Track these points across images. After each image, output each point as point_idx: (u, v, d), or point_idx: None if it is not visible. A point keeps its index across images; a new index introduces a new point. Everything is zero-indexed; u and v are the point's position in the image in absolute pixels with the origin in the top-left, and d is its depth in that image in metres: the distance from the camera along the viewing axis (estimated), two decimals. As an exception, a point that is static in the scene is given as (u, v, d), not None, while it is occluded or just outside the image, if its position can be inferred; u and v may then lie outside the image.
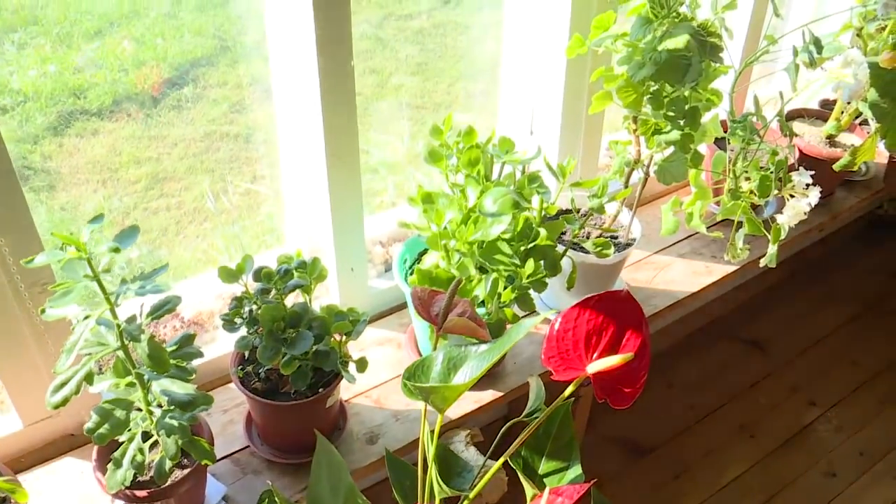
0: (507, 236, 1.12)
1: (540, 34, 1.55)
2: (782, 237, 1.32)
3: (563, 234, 1.40)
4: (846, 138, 1.85)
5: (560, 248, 1.19)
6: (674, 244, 1.74)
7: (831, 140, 1.85)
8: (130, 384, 0.95)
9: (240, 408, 1.28)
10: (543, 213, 1.12)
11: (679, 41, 1.14)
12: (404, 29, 2.02)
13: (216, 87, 1.35)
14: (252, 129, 1.41)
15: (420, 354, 1.39)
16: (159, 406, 0.97)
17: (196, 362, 1.02)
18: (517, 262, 1.09)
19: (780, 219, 1.30)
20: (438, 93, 2.06)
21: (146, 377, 0.93)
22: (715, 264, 1.69)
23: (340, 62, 1.18)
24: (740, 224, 1.38)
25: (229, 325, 1.10)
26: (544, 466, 0.93)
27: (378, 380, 1.37)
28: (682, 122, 1.30)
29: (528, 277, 1.08)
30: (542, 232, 1.09)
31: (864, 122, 1.85)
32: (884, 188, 1.98)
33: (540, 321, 0.78)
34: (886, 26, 1.56)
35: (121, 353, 0.91)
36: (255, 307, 1.10)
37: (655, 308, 1.56)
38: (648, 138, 1.31)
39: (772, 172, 1.35)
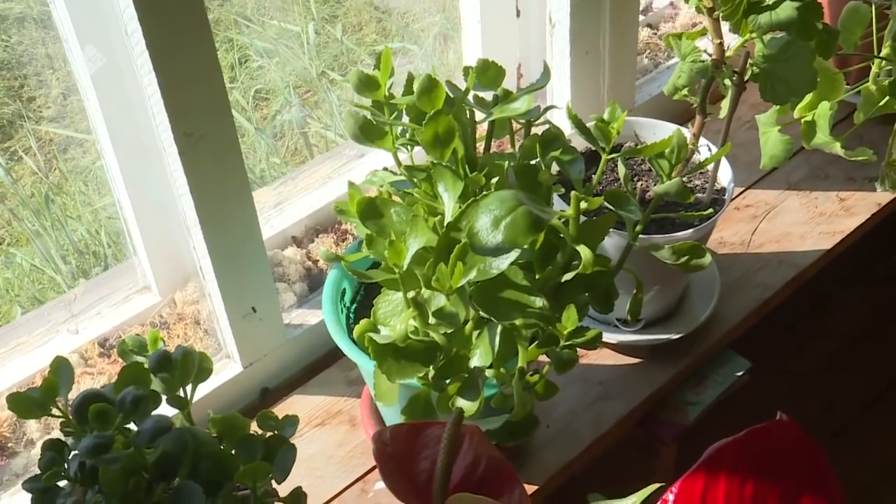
0: (520, 260, 0.62)
1: None
2: None
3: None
4: None
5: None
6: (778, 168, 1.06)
7: None
8: None
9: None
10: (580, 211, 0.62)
11: None
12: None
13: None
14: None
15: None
16: None
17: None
18: (543, 303, 0.60)
19: None
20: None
21: None
22: (854, 192, 1.08)
23: None
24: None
25: (44, 496, 0.58)
26: None
27: (327, 492, 0.80)
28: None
29: (568, 336, 0.60)
30: (586, 252, 0.60)
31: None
32: None
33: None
34: None
35: None
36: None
37: (767, 290, 0.98)
38: (739, 21, 0.76)
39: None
